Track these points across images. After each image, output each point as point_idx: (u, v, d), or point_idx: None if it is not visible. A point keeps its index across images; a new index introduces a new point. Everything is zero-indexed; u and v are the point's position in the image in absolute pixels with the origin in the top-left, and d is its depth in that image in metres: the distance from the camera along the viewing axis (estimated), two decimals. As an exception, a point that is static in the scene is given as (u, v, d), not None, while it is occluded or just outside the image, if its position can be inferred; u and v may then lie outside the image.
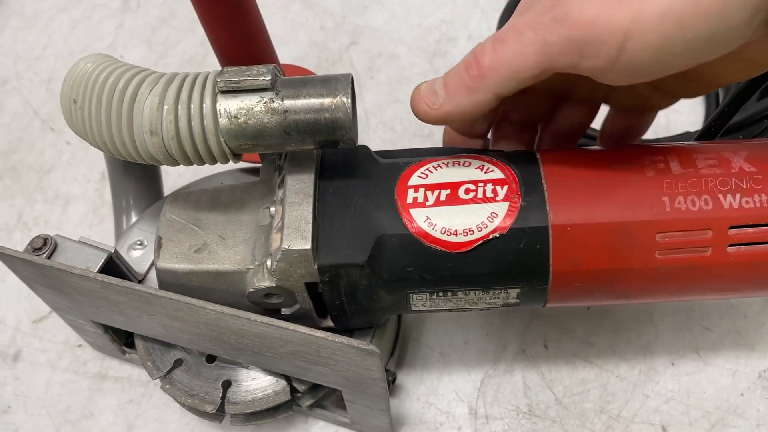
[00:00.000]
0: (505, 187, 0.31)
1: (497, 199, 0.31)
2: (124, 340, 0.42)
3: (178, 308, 0.32)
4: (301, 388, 0.37)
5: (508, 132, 0.38)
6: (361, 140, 0.38)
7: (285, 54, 0.57)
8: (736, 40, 0.25)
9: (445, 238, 0.31)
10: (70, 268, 0.33)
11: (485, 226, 0.30)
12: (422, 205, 0.31)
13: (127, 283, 0.32)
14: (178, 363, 0.38)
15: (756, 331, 0.42)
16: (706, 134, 0.37)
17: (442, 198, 0.31)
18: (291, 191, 0.31)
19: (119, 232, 0.42)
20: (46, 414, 0.43)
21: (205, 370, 0.38)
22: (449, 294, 0.32)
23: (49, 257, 0.35)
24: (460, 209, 0.31)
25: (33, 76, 0.60)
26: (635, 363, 0.42)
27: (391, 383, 0.39)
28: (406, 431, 0.40)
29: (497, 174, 0.32)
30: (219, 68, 0.30)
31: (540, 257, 0.31)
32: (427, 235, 0.31)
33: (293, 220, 0.30)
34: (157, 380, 0.37)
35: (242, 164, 0.50)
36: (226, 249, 0.33)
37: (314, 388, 0.38)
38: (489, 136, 0.38)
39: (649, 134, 0.39)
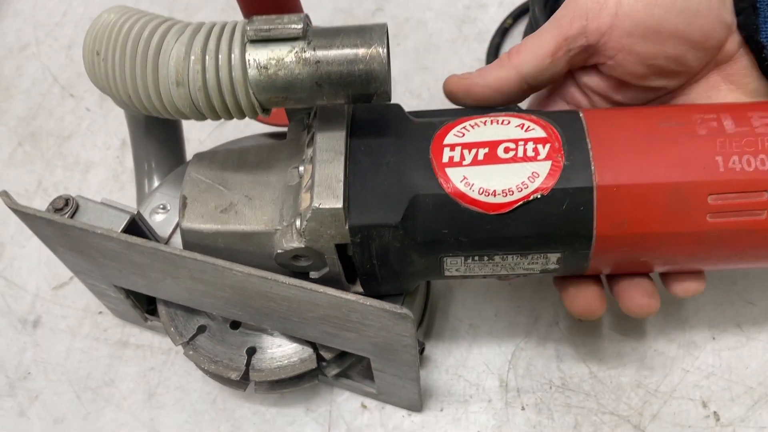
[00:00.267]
0: (547, 146, 0.29)
1: (539, 158, 0.29)
2: (146, 306, 0.41)
3: (204, 270, 0.31)
4: (327, 356, 0.36)
5: None
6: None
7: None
8: None
9: (482, 198, 0.29)
10: (93, 227, 0.32)
11: (526, 186, 0.29)
12: (459, 164, 0.29)
13: (152, 243, 0.31)
14: (201, 329, 0.37)
15: (801, 306, 0.41)
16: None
17: (480, 157, 0.30)
18: (321, 149, 0.30)
19: (141, 196, 0.41)
20: (66, 381, 0.43)
21: (229, 337, 0.37)
22: (485, 258, 0.31)
23: (71, 218, 0.34)
24: (499, 169, 0.29)
25: (53, 42, 0.59)
26: (674, 337, 0.40)
27: (420, 354, 0.38)
28: (434, 403, 0.39)
29: (539, 132, 0.30)
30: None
31: (583, 220, 0.29)
32: (463, 195, 0.29)
33: (324, 178, 0.29)
34: (180, 347, 0.37)
35: (267, 128, 0.49)
36: (253, 209, 0.31)
37: (341, 356, 0.37)
38: None
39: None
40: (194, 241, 0.32)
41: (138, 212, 0.35)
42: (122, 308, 0.41)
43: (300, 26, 0.27)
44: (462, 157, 0.30)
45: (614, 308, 0.41)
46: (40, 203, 0.50)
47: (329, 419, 0.40)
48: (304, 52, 0.27)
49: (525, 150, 0.29)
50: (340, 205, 0.29)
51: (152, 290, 0.36)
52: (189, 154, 0.43)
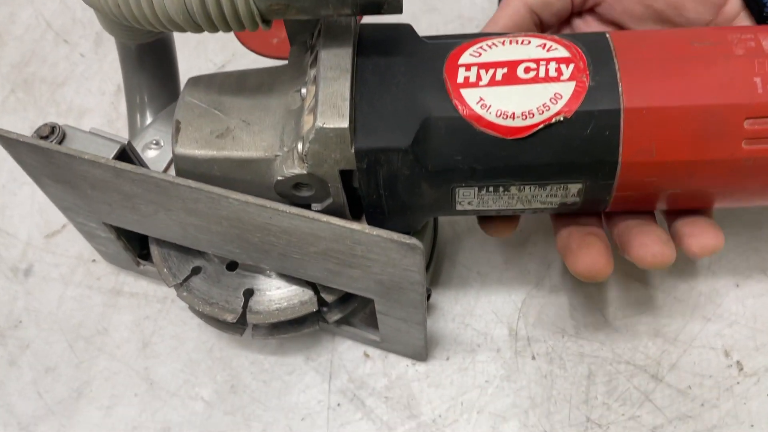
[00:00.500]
0: (571, 66, 0.27)
1: (562, 78, 0.27)
2: (138, 250, 0.39)
3: (198, 199, 0.29)
4: (329, 298, 0.34)
5: None
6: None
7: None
8: None
9: (500, 122, 0.27)
10: (80, 152, 0.29)
11: (547, 108, 0.27)
12: (475, 84, 0.27)
13: (142, 170, 0.29)
14: (196, 270, 0.35)
15: (829, 254, 0.39)
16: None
17: (498, 77, 0.27)
18: (326, 66, 0.27)
19: (133, 132, 0.38)
20: (59, 329, 0.41)
21: (225, 278, 0.35)
22: (500, 189, 0.29)
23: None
24: (519, 89, 0.27)
25: (45, -15, 0.57)
26: (694, 284, 0.38)
27: (426, 300, 0.36)
28: (440, 352, 0.37)
29: (562, 52, 0.28)
30: None
31: (609, 145, 0.27)
32: (479, 118, 0.27)
33: (328, 96, 0.27)
34: (175, 296, 0.35)
35: (269, 62, 0.47)
36: (252, 135, 0.29)
37: (343, 300, 0.35)
38: None
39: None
40: (188, 169, 0.30)
41: (129, 142, 0.33)
42: (114, 251, 0.39)
43: (304, -75, 0.25)
44: (479, 78, 0.27)
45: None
46: (29, 147, 0.48)
47: (330, 368, 0.38)
48: (308, -47, 0.25)
49: (547, 70, 0.27)
50: (345, 124, 0.26)
51: (144, 227, 0.34)
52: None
